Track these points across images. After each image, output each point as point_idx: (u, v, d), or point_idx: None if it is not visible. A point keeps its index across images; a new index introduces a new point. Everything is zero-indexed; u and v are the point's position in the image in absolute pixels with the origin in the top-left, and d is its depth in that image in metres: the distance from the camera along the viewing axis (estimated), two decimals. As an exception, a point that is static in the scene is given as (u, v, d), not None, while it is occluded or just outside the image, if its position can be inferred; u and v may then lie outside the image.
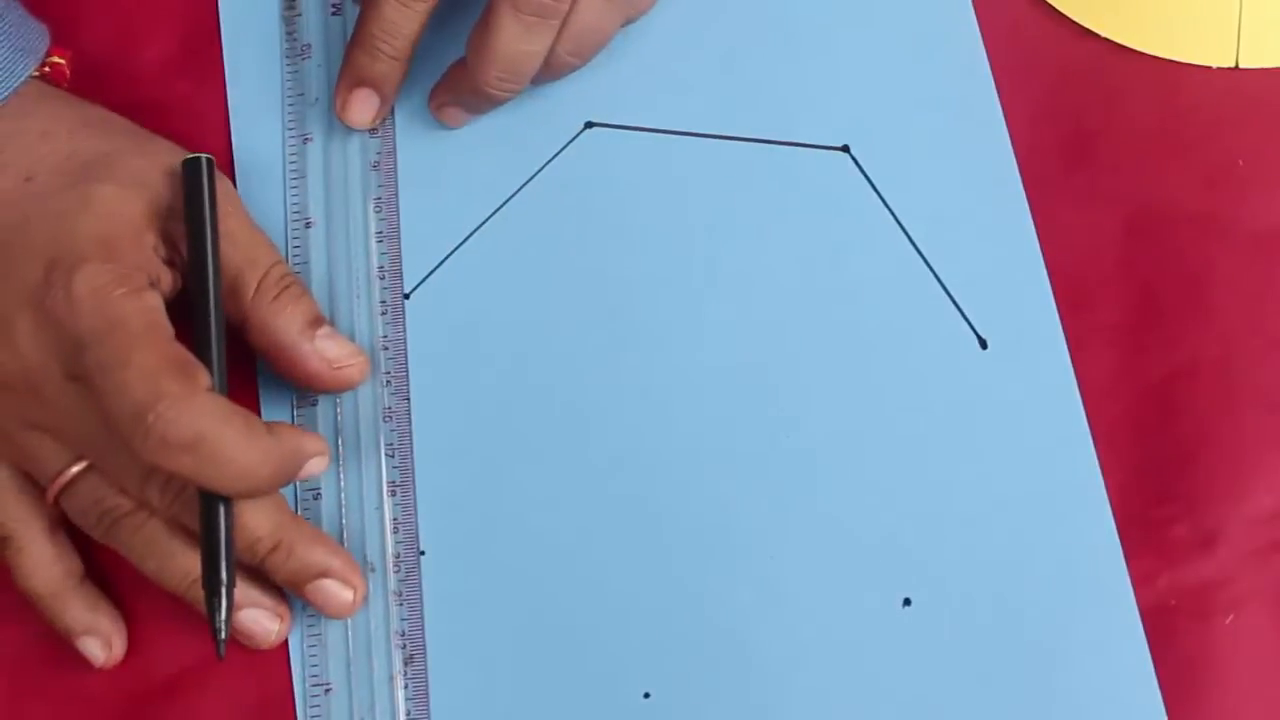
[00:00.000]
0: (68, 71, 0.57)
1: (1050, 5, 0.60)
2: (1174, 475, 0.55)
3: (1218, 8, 0.59)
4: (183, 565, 0.52)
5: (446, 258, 0.58)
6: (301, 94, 0.59)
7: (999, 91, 0.59)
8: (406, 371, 0.57)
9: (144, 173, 0.53)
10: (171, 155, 0.54)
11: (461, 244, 0.58)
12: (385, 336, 0.57)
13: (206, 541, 0.50)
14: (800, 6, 0.59)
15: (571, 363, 0.57)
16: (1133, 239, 0.58)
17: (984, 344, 0.57)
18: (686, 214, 0.58)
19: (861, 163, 0.58)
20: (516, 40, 0.55)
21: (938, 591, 0.54)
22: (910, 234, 0.58)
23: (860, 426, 0.56)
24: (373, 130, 0.58)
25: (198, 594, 0.51)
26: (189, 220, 0.52)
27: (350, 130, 0.58)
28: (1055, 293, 0.57)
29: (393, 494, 0.56)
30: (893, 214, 0.58)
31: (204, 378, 0.50)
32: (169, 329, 0.51)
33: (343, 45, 0.59)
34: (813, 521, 0.55)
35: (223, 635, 0.50)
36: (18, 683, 0.55)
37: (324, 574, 0.53)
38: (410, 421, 0.56)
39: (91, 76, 0.59)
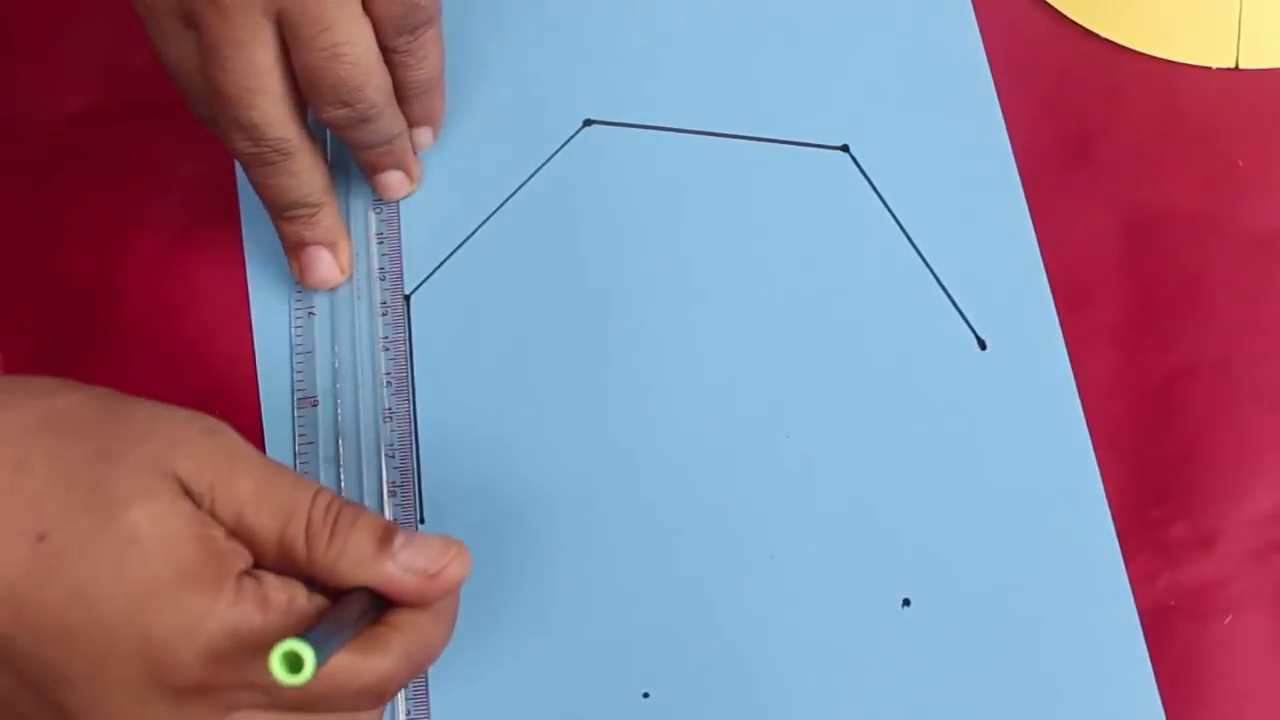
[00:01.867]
0: None
1: (1050, 5, 0.60)
2: (1173, 475, 0.55)
3: (1218, 8, 0.59)
4: None
5: (447, 258, 0.58)
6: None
7: (999, 91, 0.59)
8: (407, 372, 0.57)
9: (154, 460, 0.44)
10: (159, 414, 0.45)
11: (462, 244, 0.58)
12: (386, 337, 0.57)
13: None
14: (800, 6, 0.59)
15: (572, 362, 0.57)
16: (1132, 239, 0.58)
17: (983, 344, 0.57)
18: (686, 212, 0.58)
19: (861, 162, 0.58)
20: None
21: (938, 591, 0.54)
22: (910, 234, 0.58)
23: (859, 427, 0.56)
24: None
25: None
26: None
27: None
28: (1055, 293, 0.57)
29: (393, 494, 0.56)
30: (892, 214, 0.58)
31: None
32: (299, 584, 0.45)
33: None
34: (812, 521, 0.55)
35: None
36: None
37: None
38: (412, 422, 0.56)
39: (92, 80, 0.60)
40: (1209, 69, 0.59)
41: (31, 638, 0.42)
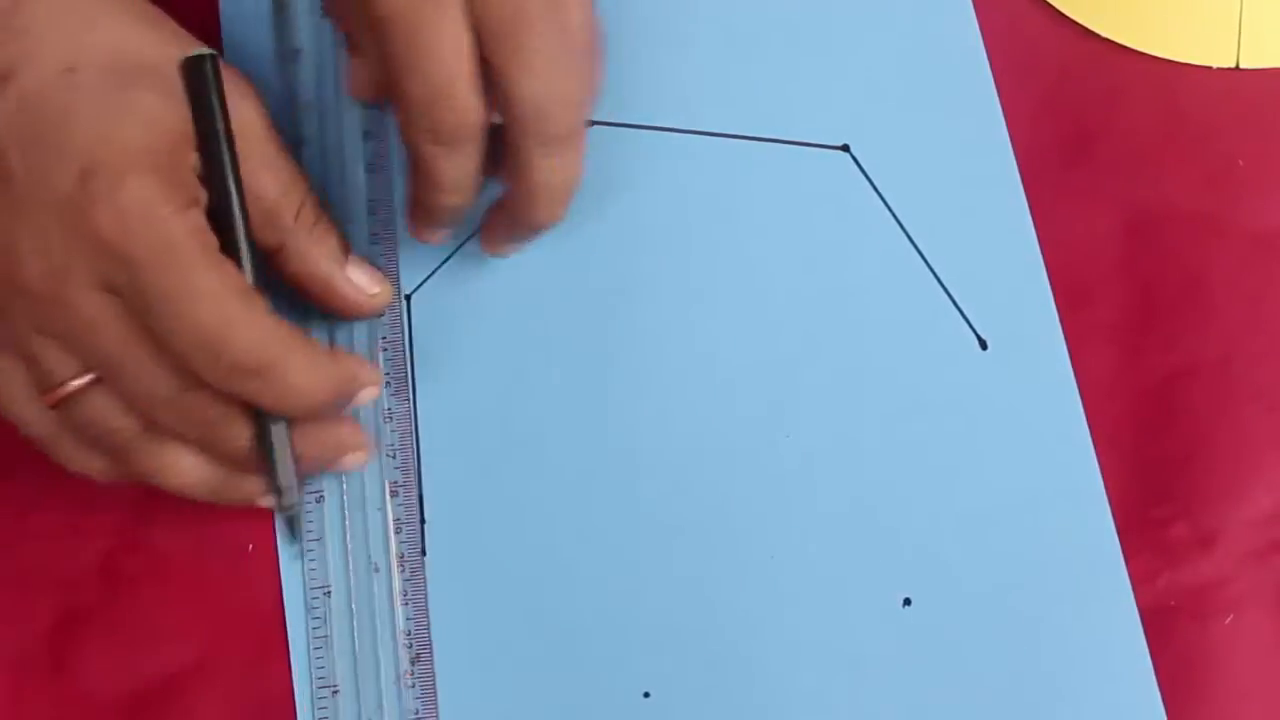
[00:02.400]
0: None
1: (1050, 5, 0.60)
2: (1174, 475, 0.55)
3: (1218, 8, 0.59)
4: (202, 475, 0.52)
5: (447, 258, 0.58)
6: (293, 97, 0.59)
7: (999, 91, 0.59)
8: (407, 373, 0.57)
9: (181, 84, 0.50)
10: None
11: (462, 244, 0.58)
12: (385, 338, 0.57)
13: (270, 460, 0.51)
14: (800, 6, 0.59)
15: (571, 362, 0.57)
16: (1132, 238, 0.58)
17: (984, 344, 0.57)
18: (686, 213, 0.58)
19: (861, 162, 0.58)
20: (553, 171, 0.53)
21: (938, 591, 0.54)
22: (910, 234, 0.58)
23: (860, 426, 0.56)
24: (367, 135, 0.58)
25: (232, 494, 0.52)
26: (202, 129, 0.50)
27: (344, 135, 0.58)
28: (1055, 293, 0.57)
29: (394, 494, 0.56)
30: (893, 214, 0.58)
31: (265, 303, 0.49)
32: (219, 251, 0.49)
33: (334, 49, 0.58)
34: (813, 521, 0.55)
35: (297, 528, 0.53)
36: (18, 683, 0.55)
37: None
38: (413, 422, 0.56)
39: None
40: (1209, 69, 0.59)
41: (13, 132, 0.48)
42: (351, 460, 0.54)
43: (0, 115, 0.48)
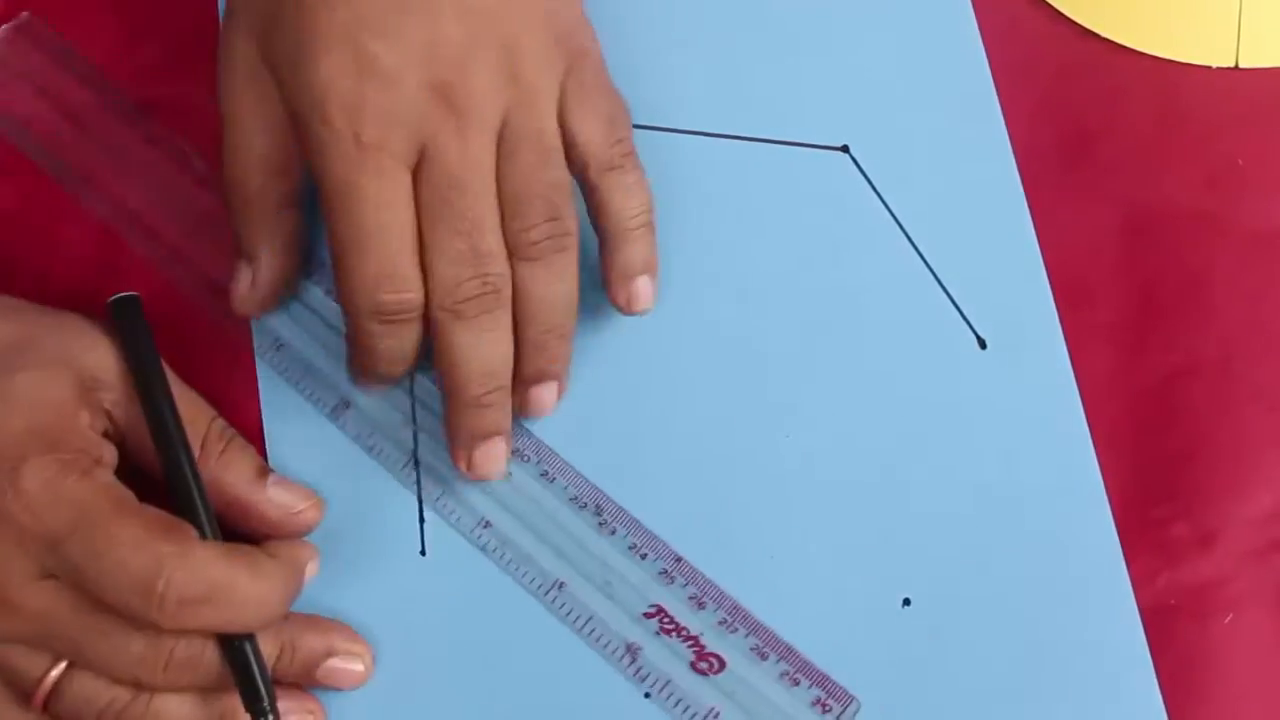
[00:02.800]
0: None
1: (1050, 5, 0.60)
2: (1174, 475, 0.55)
3: (1218, 8, 0.59)
4: (199, 713, 0.51)
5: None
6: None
7: (999, 91, 0.59)
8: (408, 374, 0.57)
9: (62, 349, 0.52)
10: (84, 326, 0.53)
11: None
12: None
13: (244, 680, 0.50)
14: (800, 6, 0.59)
15: (571, 362, 0.57)
16: (1132, 239, 0.58)
17: (983, 344, 0.57)
18: (686, 213, 0.58)
19: (861, 163, 0.58)
20: (473, 346, 0.53)
21: (938, 591, 0.54)
22: (910, 234, 0.58)
23: (860, 426, 0.56)
24: None
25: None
26: (133, 359, 0.52)
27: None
28: (1055, 293, 0.57)
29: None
30: (892, 214, 0.58)
31: (190, 529, 0.50)
32: (134, 498, 0.50)
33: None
34: (813, 521, 0.55)
35: None
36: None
37: (329, 654, 0.53)
38: (413, 422, 0.56)
39: (93, 79, 0.60)
40: (1209, 68, 0.59)
41: None
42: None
43: None
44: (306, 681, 0.53)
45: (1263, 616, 0.54)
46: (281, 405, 0.57)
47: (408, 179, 0.52)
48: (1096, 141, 0.59)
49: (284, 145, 0.54)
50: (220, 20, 0.60)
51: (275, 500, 0.53)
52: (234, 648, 0.50)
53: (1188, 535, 0.55)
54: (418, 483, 0.56)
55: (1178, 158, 0.58)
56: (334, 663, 0.53)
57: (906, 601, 0.54)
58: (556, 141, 0.54)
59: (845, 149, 0.59)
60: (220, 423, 0.54)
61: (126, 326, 0.53)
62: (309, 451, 0.56)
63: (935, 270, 0.57)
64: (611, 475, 0.56)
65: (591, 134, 0.54)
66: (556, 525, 0.55)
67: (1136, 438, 0.56)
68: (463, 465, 0.54)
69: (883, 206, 0.58)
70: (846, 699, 0.53)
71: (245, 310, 0.56)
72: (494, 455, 0.54)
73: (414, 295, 0.52)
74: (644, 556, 0.54)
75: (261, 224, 0.55)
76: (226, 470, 0.53)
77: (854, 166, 0.58)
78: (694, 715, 0.53)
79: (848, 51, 0.59)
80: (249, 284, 0.55)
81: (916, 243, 0.58)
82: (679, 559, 0.54)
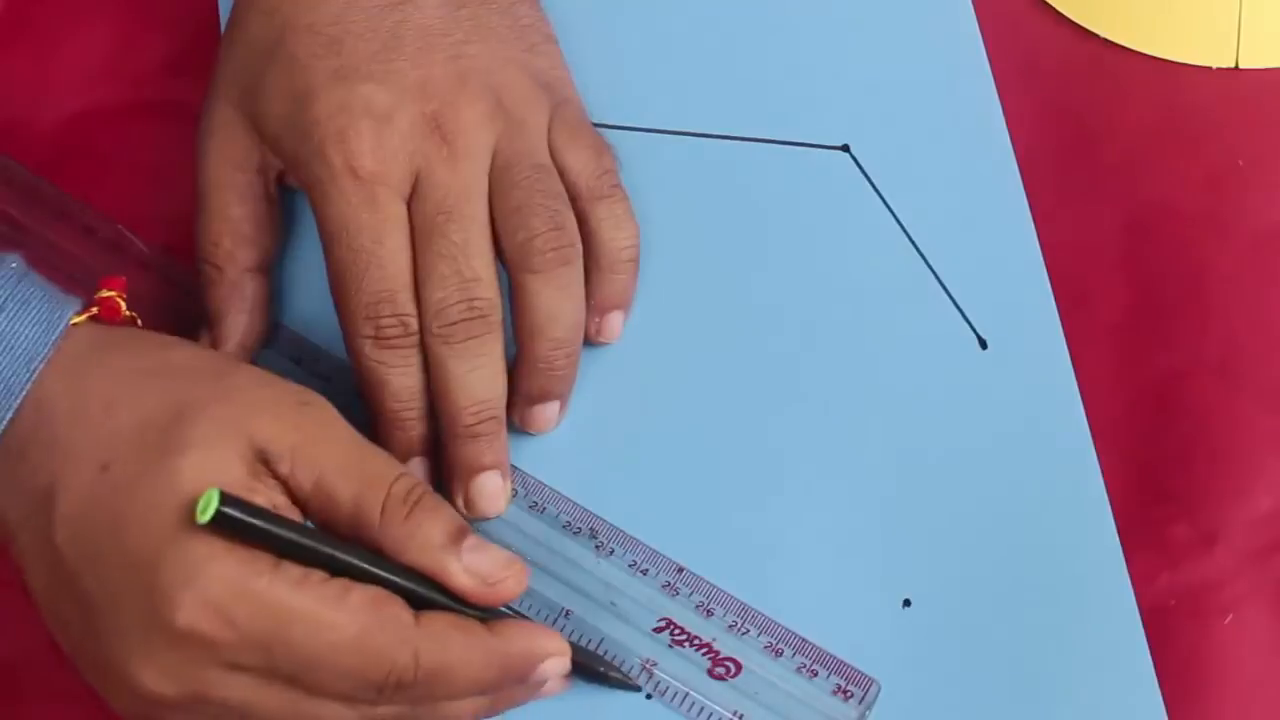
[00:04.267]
0: (122, 306, 0.51)
1: (1050, 5, 0.60)
2: (1174, 475, 0.55)
3: (1218, 8, 0.59)
4: None
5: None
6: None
7: (1000, 92, 0.59)
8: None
9: (230, 420, 0.47)
10: (250, 385, 0.49)
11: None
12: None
13: None
14: (801, 6, 0.59)
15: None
16: (1133, 239, 0.58)
17: (984, 344, 0.57)
18: (686, 213, 0.58)
19: (862, 162, 0.58)
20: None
21: (938, 592, 0.54)
22: (910, 234, 0.58)
23: (860, 426, 0.56)
24: None
25: None
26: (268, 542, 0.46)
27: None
28: (1055, 292, 0.57)
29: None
30: (893, 214, 0.58)
31: (402, 605, 0.46)
32: (328, 579, 0.46)
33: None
34: (814, 522, 0.55)
35: None
36: (18, 684, 0.55)
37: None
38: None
39: (92, 80, 0.60)
40: (1209, 69, 0.59)
41: (76, 554, 0.46)
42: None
43: (60, 541, 0.46)
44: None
45: (1263, 616, 0.54)
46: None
47: (403, 209, 0.52)
48: (1097, 142, 0.59)
49: (256, 214, 0.55)
50: (221, 22, 0.60)
51: (470, 568, 0.48)
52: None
53: (1188, 535, 0.55)
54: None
55: (1178, 158, 0.58)
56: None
57: (907, 602, 0.54)
58: (549, 161, 0.54)
59: (846, 149, 0.59)
60: (405, 482, 0.48)
61: (238, 527, 0.46)
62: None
63: (936, 270, 0.57)
64: (610, 473, 0.56)
65: (581, 164, 0.55)
66: (553, 553, 0.55)
67: (1136, 438, 0.56)
68: (460, 502, 0.53)
69: (884, 207, 0.58)
70: (866, 683, 0.53)
71: None
72: (489, 491, 0.53)
73: (411, 318, 0.52)
74: (645, 572, 0.54)
75: (228, 287, 0.55)
76: (412, 537, 0.48)
77: (855, 166, 0.58)
78: (719, 722, 0.53)
79: (849, 52, 0.59)
80: (207, 345, 0.55)
81: (917, 243, 0.58)
82: (681, 569, 0.54)
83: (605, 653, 0.53)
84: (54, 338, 0.48)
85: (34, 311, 0.48)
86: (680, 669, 0.53)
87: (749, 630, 0.53)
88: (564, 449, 0.56)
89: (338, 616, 0.45)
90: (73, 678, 0.50)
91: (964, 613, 0.54)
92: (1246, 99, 0.59)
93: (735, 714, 0.53)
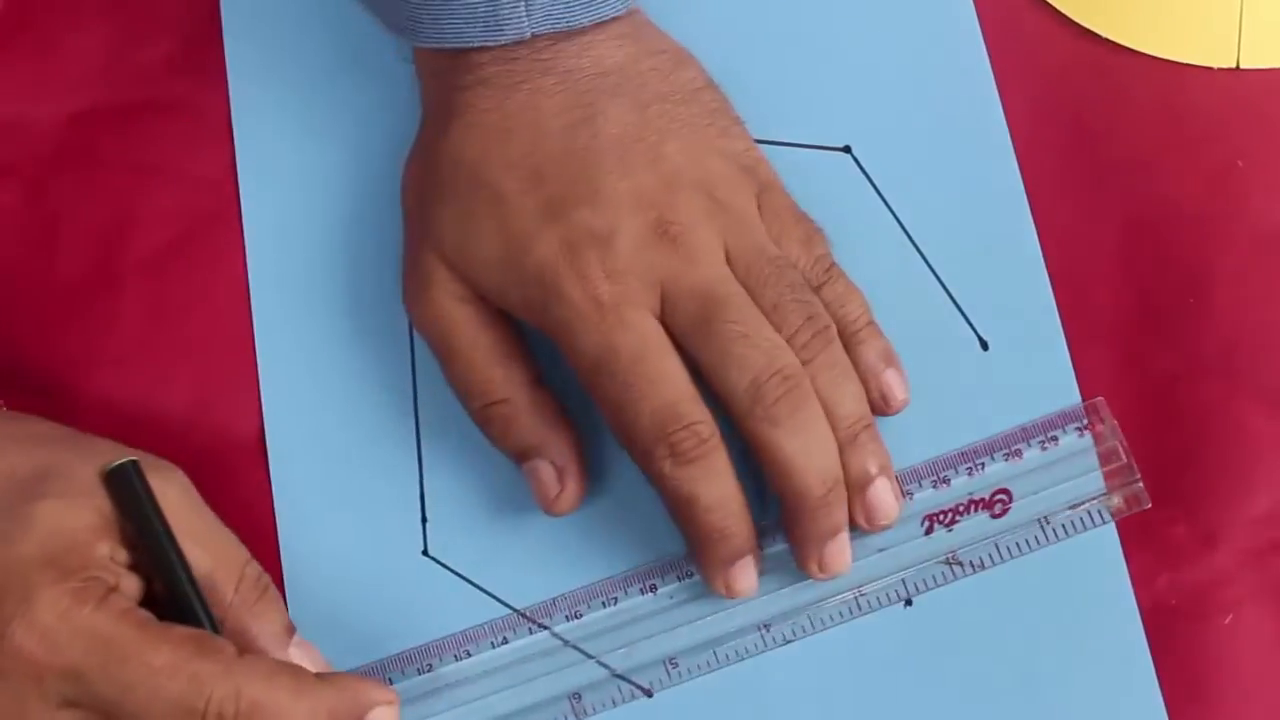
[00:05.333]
0: None
1: (1050, 5, 0.60)
2: (1174, 475, 0.55)
3: (1218, 8, 0.59)
4: None
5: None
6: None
7: (1000, 92, 0.59)
8: (409, 373, 0.57)
9: (87, 480, 0.49)
10: (114, 448, 0.51)
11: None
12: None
13: None
14: (802, 7, 0.59)
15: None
16: (1133, 239, 0.58)
17: (984, 344, 0.57)
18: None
19: (863, 163, 0.58)
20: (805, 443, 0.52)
21: (939, 592, 0.54)
22: (912, 234, 0.58)
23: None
24: None
25: None
26: (137, 528, 0.49)
27: (352, 129, 0.58)
28: (1056, 293, 0.57)
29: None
30: (894, 215, 0.58)
31: (228, 644, 0.48)
32: (157, 620, 0.48)
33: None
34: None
35: None
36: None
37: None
38: (414, 421, 0.56)
39: (92, 80, 0.59)
40: (1209, 69, 0.59)
41: None
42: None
43: None
44: None
45: (1263, 616, 0.54)
46: (284, 408, 0.57)
47: (656, 323, 0.52)
48: (1097, 142, 0.59)
49: (507, 335, 0.54)
50: (221, 22, 0.60)
51: (294, 659, 0.50)
52: None
53: (1188, 535, 0.55)
54: (420, 482, 0.56)
55: (1178, 158, 0.58)
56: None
57: (908, 602, 0.54)
58: (777, 251, 0.54)
59: (848, 149, 0.59)
60: (255, 568, 0.51)
61: (125, 496, 0.49)
62: (311, 449, 0.56)
63: (937, 271, 0.57)
64: (611, 473, 0.56)
65: (796, 256, 0.54)
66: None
67: (1137, 438, 0.56)
68: (814, 568, 0.53)
69: (885, 207, 0.58)
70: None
71: (567, 509, 0.54)
72: (842, 550, 0.53)
73: (704, 425, 0.51)
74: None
75: (529, 410, 0.54)
76: (257, 620, 0.50)
77: (856, 167, 0.58)
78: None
79: (850, 52, 0.59)
80: (554, 479, 0.54)
81: (919, 243, 0.58)
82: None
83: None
84: None
85: None
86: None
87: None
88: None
89: (160, 643, 0.46)
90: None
91: (964, 612, 0.54)
92: (1247, 99, 0.59)
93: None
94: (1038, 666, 0.54)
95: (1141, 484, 0.54)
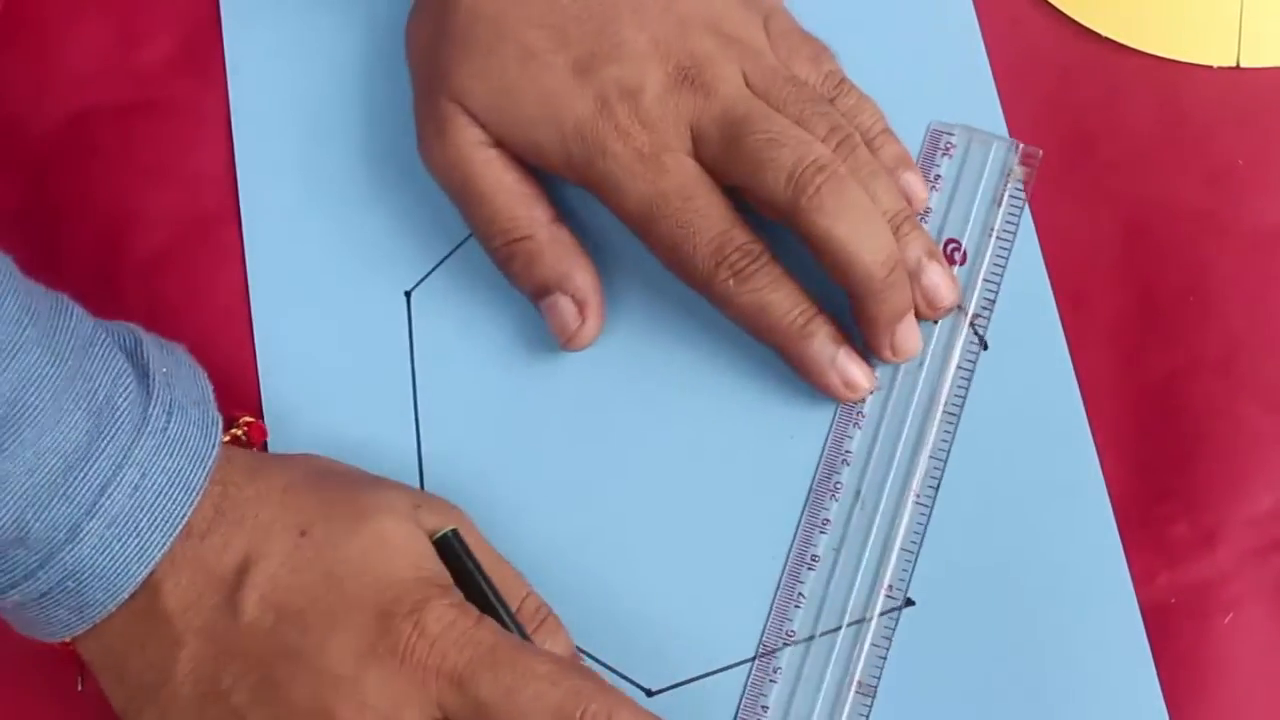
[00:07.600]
0: (266, 430, 0.57)
1: (1050, 5, 0.60)
2: (1174, 475, 0.55)
3: (1219, 7, 0.59)
4: None
5: (447, 256, 0.58)
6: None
7: (1000, 91, 0.59)
8: (409, 370, 0.57)
9: (402, 497, 0.52)
10: (396, 484, 0.53)
11: (462, 243, 0.58)
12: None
13: None
14: (801, 7, 0.59)
15: (573, 360, 0.57)
16: (1133, 239, 0.58)
17: (984, 344, 0.57)
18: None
19: (863, 163, 0.58)
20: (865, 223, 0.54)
21: (940, 591, 0.54)
22: (911, 234, 0.58)
23: (862, 426, 0.56)
24: None
25: None
26: (465, 592, 0.51)
27: (352, 128, 0.58)
28: (1056, 293, 0.57)
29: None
30: (894, 214, 0.58)
31: (583, 665, 0.51)
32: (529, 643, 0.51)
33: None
34: (815, 522, 0.55)
35: None
36: (19, 684, 0.55)
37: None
38: (414, 420, 0.56)
39: (92, 80, 0.60)
40: (1210, 68, 0.59)
41: (276, 617, 0.49)
42: None
43: (249, 604, 0.49)
44: None
45: (1263, 616, 0.54)
46: (284, 407, 0.57)
47: (694, 163, 0.54)
48: (1097, 141, 0.59)
49: (526, 176, 0.56)
50: (222, 22, 0.60)
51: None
52: None
53: (1188, 534, 0.55)
54: (419, 482, 0.56)
55: (1178, 158, 0.58)
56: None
57: (909, 601, 0.54)
58: (790, 72, 0.56)
59: (847, 149, 0.59)
60: (534, 599, 0.53)
61: (452, 562, 0.52)
62: (311, 449, 0.56)
63: (936, 270, 0.57)
64: (612, 473, 0.56)
65: (806, 72, 0.57)
66: None
67: (1137, 437, 0.56)
68: (887, 353, 0.55)
69: (885, 207, 0.58)
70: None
71: (586, 342, 0.56)
72: (912, 331, 0.55)
73: (754, 243, 0.54)
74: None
75: (553, 246, 0.56)
76: (544, 644, 0.52)
77: (856, 166, 0.58)
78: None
79: (849, 52, 0.59)
80: (574, 313, 0.56)
81: (918, 243, 0.58)
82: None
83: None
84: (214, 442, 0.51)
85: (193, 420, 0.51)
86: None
87: None
88: (565, 436, 0.56)
89: (541, 654, 0.49)
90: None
91: (965, 612, 0.54)
92: (1247, 98, 0.59)
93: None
94: (1038, 665, 0.54)
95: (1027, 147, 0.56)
